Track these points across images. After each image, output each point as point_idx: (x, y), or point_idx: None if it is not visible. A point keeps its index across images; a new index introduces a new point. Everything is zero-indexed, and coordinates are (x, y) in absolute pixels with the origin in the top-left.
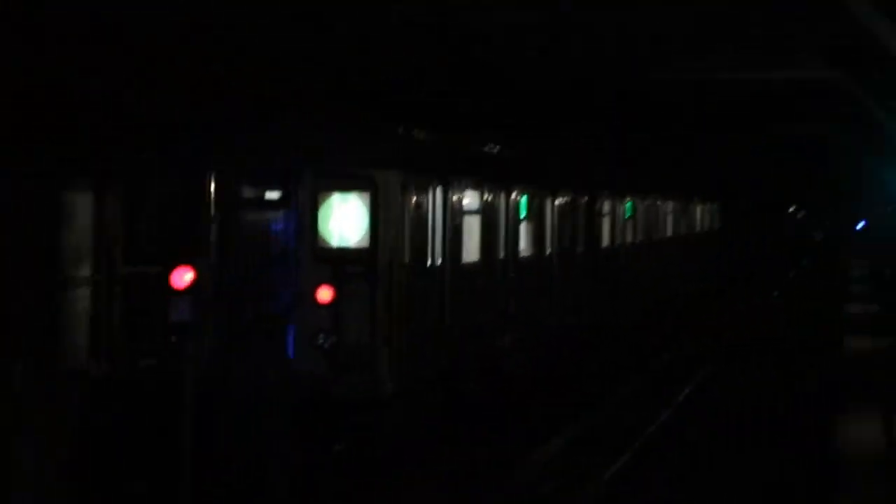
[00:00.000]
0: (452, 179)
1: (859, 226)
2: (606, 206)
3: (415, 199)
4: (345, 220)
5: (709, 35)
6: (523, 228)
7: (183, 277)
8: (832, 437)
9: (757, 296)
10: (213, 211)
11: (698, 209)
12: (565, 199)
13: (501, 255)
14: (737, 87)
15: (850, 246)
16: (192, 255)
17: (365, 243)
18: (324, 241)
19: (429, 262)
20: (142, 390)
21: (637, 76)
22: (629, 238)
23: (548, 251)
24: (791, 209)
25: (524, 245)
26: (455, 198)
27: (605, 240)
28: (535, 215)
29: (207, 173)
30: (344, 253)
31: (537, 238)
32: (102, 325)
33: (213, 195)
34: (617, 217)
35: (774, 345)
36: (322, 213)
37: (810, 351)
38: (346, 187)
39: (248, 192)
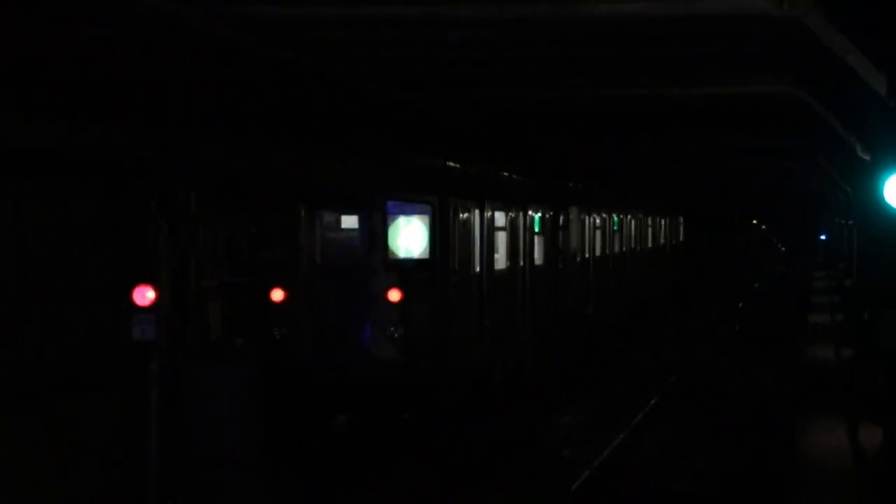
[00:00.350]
0: (486, 202)
1: (822, 237)
2: (598, 221)
3: (460, 219)
4: (409, 237)
5: (675, 53)
6: (537, 241)
7: (145, 295)
8: (798, 443)
9: (724, 306)
10: (302, 235)
11: (666, 222)
12: (569, 215)
13: (521, 263)
14: (702, 102)
15: (814, 257)
16: (289, 270)
17: (426, 255)
18: (393, 253)
19: (472, 270)
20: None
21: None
22: (616, 248)
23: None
24: (755, 221)
25: (538, 254)
26: (488, 217)
27: (598, 250)
28: (546, 230)
29: (299, 207)
30: (409, 263)
31: (548, 249)
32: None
33: (303, 222)
34: (607, 230)
35: (742, 353)
36: (391, 232)
37: (776, 360)
38: (409, 211)
39: (328, 217)
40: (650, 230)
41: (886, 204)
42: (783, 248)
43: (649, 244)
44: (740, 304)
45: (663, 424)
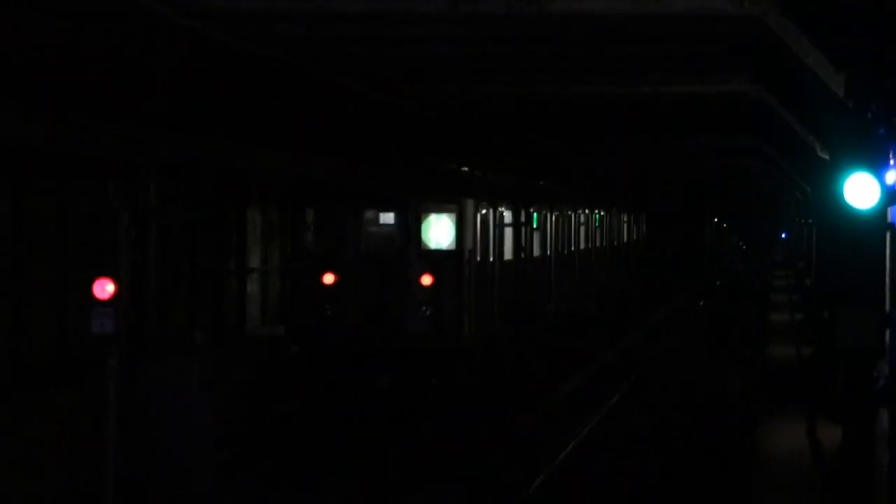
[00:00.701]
0: (498, 203)
1: (783, 236)
2: (583, 218)
3: (480, 216)
4: (439, 231)
5: (635, 51)
6: (534, 236)
7: (105, 288)
8: (757, 441)
9: (684, 304)
10: (349, 228)
11: (640, 220)
12: (558, 212)
13: (522, 255)
14: (664, 101)
15: (773, 256)
16: (339, 258)
17: (452, 246)
18: (425, 245)
19: (486, 260)
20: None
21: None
22: (597, 242)
23: (548, 252)
24: (716, 220)
25: (535, 248)
26: (499, 215)
27: (582, 243)
28: (541, 226)
29: (346, 205)
30: (439, 253)
31: (542, 243)
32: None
33: (349, 218)
34: (590, 226)
35: (703, 351)
36: (424, 227)
37: (736, 358)
38: (439, 210)
39: (370, 214)
40: (625, 227)
41: (845, 203)
42: (744, 247)
43: (625, 239)
44: (701, 303)
45: (627, 418)
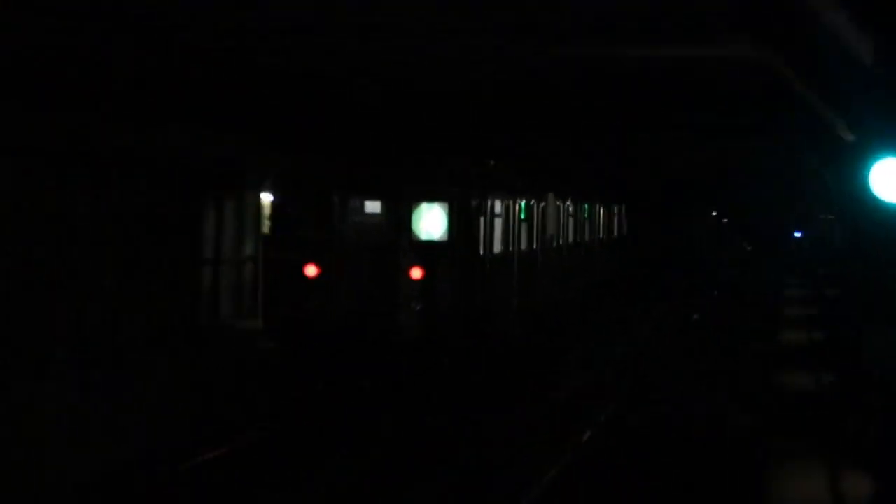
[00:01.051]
0: (487, 194)
1: (797, 234)
2: (571, 208)
3: (471, 208)
4: (430, 221)
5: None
6: (523, 228)
7: None
8: (766, 493)
9: (679, 319)
10: (335, 218)
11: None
12: (545, 203)
13: (511, 247)
14: (649, 67)
15: (785, 261)
16: (322, 249)
17: (444, 238)
18: (416, 236)
19: (479, 252)
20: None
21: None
22: (587, 234)
23: (535, 245)
24: (714, 213)
25: (523, 240)
26: (489, 207)
27: (570, 235)
28: (529, 218)
29: (331, 192)
30: (430, 244)
31: (529, 235)
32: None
33: (336, 208)
34: (578, 217)
35: (700, 378)
36: (415, 217)
37: (740, 386)
38: (431, 199)
39: (357, 203)
40: (616, 219)
41: (872, 195)
42: (749, 248)
43: (615, 233)
44: (696, 317)
45: (607, 461)
